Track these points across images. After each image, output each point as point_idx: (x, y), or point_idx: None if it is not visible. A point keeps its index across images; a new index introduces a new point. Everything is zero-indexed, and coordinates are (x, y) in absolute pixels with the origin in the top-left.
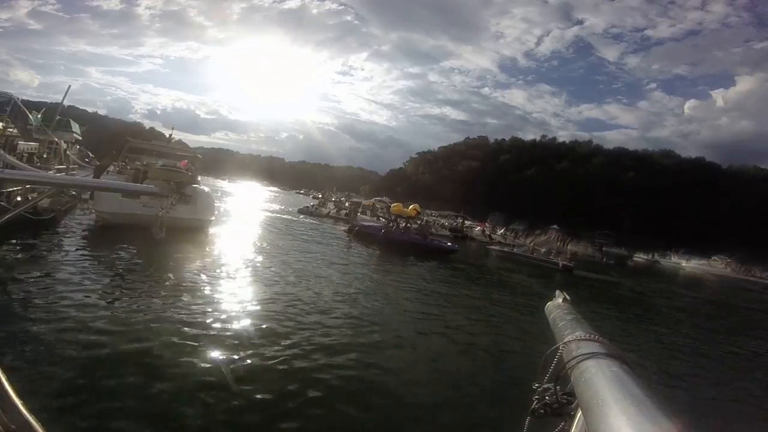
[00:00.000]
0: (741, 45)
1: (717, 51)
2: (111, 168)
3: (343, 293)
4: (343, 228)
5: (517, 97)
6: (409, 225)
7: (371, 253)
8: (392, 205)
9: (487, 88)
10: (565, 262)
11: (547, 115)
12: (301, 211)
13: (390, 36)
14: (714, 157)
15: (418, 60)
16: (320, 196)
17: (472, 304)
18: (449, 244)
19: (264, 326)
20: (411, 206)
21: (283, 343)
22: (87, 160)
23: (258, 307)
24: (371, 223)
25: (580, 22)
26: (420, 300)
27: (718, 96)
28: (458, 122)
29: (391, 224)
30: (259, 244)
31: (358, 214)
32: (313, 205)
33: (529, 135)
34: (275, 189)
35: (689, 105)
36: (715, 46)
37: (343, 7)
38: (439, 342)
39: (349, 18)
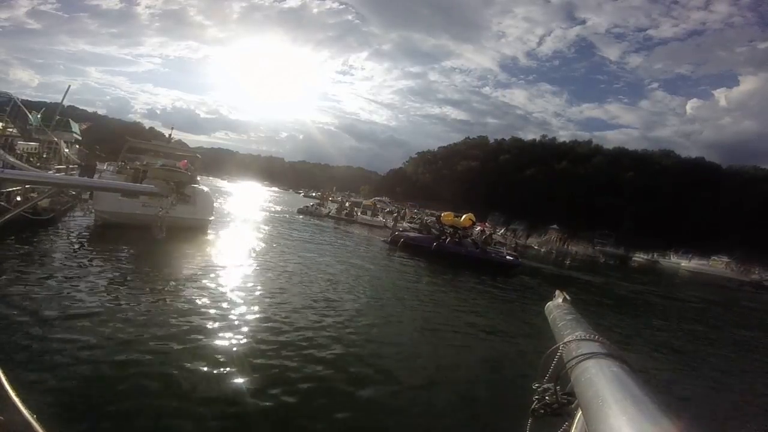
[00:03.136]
0: (744, 45)
1: (720, 51)
2: (111, 168)
3: (350, 290)
4: (381, 238)
5: (518, 96)
6: (461, 236)
7: (419, 266)
8: (443, 214)
9: (488, 88)
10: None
11: (548, 114)
12: (300, 211)
13: (391, 35)
14: (717, 157)
15: (419, 59)
16: (313, 194)
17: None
18: (510, 257)
19: (268, 327)
20: (465, 216)
21: (292, 350)
22: None
23: (264, 312)
24: (418, 234)
25: (582, 22)
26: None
27: (721, 96)
28: (459, 122)
29: (443, 235)
30: (259, 247)
31: (397, 223)
32: (312, 205)
33: (530, 135)
34: (275, 189)
35: (691, 105)
36: (719, 46)
37: (343, 6)
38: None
39: (349, 17)
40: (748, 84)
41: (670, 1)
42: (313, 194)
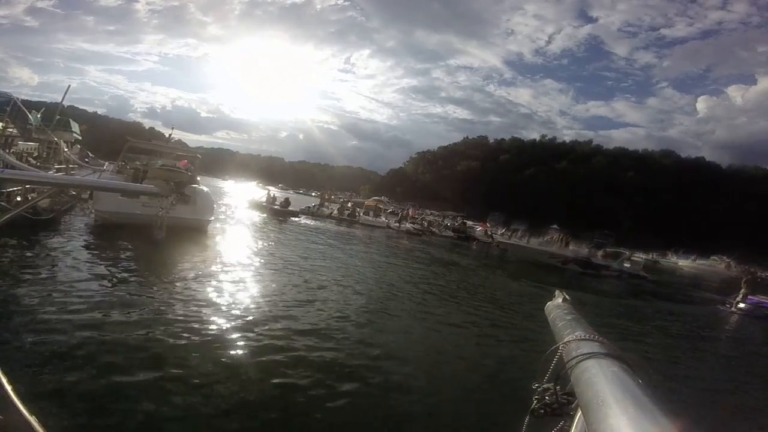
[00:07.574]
0: (762, 45)
1: (734, 50)
2: (111, 167)
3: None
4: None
5: (523, 94)
6: None
7: None
8: None
9: (492, 86)
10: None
11: (553, 113)
12: (302, 212)
13: (395, 33)
14: (729, 158)
15: (423, 57)
16: (313, 194)
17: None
18: None
19: (268, 327)
20: None
21: (291, 350)
22: (87, 159)
23: (263, 308)
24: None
25: (594, 20)
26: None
27: (737, 95)
28: (461, 120)
29: None
30: (261, 247)
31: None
32: (314, 205)
33: (534, 133)
34: (275, 189)
35: (704, 103)
36: (733, 45)
37: (348, 2)
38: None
39: (353, 14)
40: (764, 83)
41: (688, 0)
42: (313, 194)
